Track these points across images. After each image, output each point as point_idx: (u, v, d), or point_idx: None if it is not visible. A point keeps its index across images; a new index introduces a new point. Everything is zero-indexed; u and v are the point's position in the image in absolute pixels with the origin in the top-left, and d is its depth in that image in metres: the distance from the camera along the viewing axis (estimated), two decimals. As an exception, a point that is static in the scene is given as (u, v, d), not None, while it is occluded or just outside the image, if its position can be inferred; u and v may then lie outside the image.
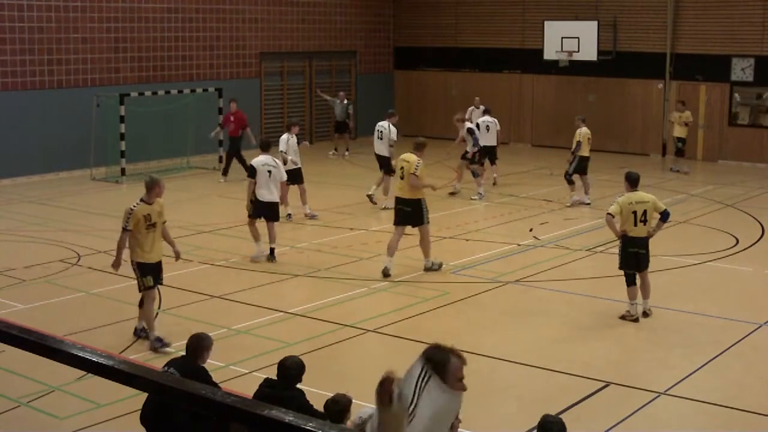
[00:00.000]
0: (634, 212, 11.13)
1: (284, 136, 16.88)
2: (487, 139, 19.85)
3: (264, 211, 14.14)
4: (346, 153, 25.20)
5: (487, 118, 20.33)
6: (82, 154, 21.76)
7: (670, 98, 25.46)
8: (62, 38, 21.69)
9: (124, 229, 10.34)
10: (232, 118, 21.35)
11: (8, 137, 20.83)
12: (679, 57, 25.15)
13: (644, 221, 11.17)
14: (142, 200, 10.52)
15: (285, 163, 15.81)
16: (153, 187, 10.51)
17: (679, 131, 22.87)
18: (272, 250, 14.10)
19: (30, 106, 21.14)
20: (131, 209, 10.36)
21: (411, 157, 13.39)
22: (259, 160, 14.32)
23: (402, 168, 13.39)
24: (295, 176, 16.72)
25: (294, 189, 16.70)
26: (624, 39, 25.91)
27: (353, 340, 10.76)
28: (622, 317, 11.39)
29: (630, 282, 11.37)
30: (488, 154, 20.06)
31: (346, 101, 25.80)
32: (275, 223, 14.24)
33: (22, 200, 19.11)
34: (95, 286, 12.73)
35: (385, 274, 13.25)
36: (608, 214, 11.30)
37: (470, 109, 22.98)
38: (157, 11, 23.51)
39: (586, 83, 26.62)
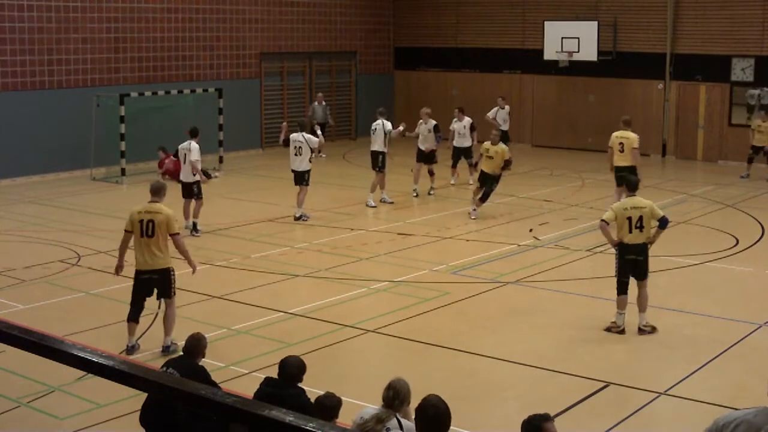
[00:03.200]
0: (629, 218, 10.68)
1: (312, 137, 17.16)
2: (462, 141, 20.55)
3: (184, 191, 15.97)
4: (323, 155, 25.36)
5: (466, 119, 20.65)
6: (82, 154, 21.76)
7: (670, 98, 25.46)
8: (62, 38, 21.69)
9: (180, 234, 10.29)
10: (166, 161, 21.68)
11: (8, 137, 20.82)
12: (679, 57, 25.14)
13: (640, 228, 10.69)
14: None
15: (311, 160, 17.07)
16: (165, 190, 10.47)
17: (759, 140, 22.15)
18: (194, 224, 15.87)
19: (30, 106, 21.13)
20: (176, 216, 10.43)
21: (630, 134, 16.58)
22: (181, 145, 15.97)
23: (621, 143, 16.52)
24: (309, 176, 16.92)
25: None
26: (624, 39, 25.90)
27: (353, 340, 10.76)
28: (608, 329, 10.97)
29: (622, 290, 10.94)
30: (463, 154, 20.63)
31: (324, 102, 25.83)
32: (192, 200, 15.88)
33: (22, 200, 19.11)
34: (95, 286, 12.73)
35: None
36: (602, 220, 10.87)
37: (495, 109, 23.14)
38: (157, 11, 23.51)
39: (586, 83, 26.62)
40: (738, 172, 22.96)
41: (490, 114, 22.97)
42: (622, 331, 10.95)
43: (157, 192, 10.25)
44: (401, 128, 18.89)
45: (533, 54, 26.89)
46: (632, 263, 10.87)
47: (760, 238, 15.98)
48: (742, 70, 24.19)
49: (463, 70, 29.03)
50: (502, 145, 17.10)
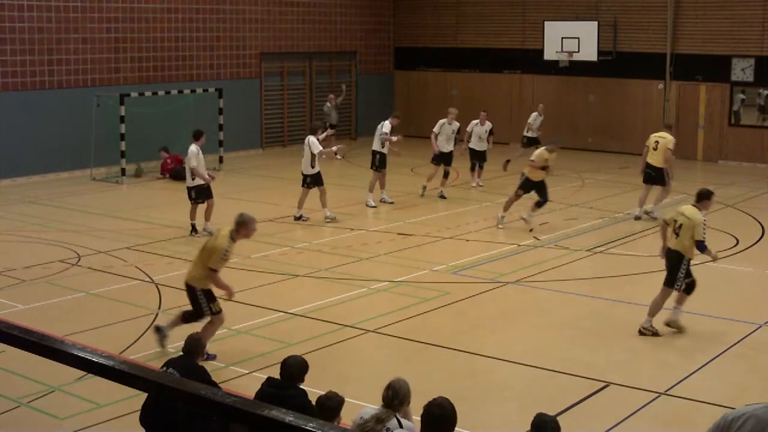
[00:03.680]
0: (674, 221, 10.79)
1: (315, 140, 17.05)
2: (481, 144, 20.47)
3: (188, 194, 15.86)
4: (338, 156, 25.35)
5: (488, 123, 20.52)
6: (82, 154, 21.77)
7: (670, 98, 25.47)
8: (62, 38, 21.69)
9: (217, 272, 9.67)
10: (169, 161, 21.81)
11: (8, 137, 20.83)
12: (679, 57, 25.15)
13: (676, 234, 10.71)
14: (231, 237, 9.74)
15: (313, 165, 16.89)
16: (242, 227, 9.79)
17: None
18: (193, 226, 15.83)
19: (30, 106, 21.14)
20: (226, 251, 9.66)
21: (668, 135, 17.13)
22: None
23: (657, 142, 17.03)
24: (316, 179, 16.93)
25: (309, 191, 17.07)
26: (624, 39, 25.91)
27: (353, 340, 10.76)
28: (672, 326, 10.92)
29: (684, 289, 10.94)
30: (479, 157, 20.59)
31: (336, 102, 25.79)
32: (199, 203, 15.73)
33: (22, 200, 19.11)
34: (95, 286, 12.73)
35: (637, 217, 17.08)
36: (663, 220, 11.19)
37: (534, 114, 23.09)
38: (157, 11, 23.51)
39: (586, 83, 26.62)
40: (738, 172, 22.99)
41: (531, 119, 23.07)
42: (659, 327, 10.86)
43: (237, 222, 9.77)
44: (394, 139, 18.61)
45: (533, 54, 26.90)
46: (666, 266, 10.91)
47: (760, 238, 15.98)
48: (742, 70, 24.19)
49: (463, 70, 29.03)
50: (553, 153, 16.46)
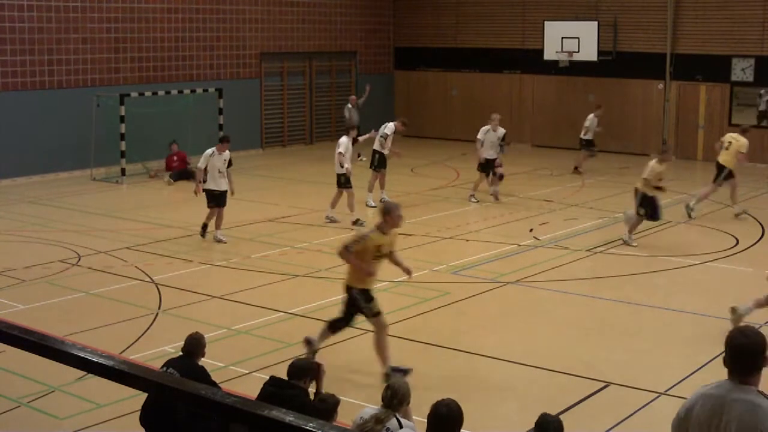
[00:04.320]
0: None
1: (344, 139, 16.97)
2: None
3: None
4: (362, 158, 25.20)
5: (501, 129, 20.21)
6: (82, 154, 21.76)
7: (670, 98, 25.47)
8: (62, 38, 21.69)
9: (347, 248, 9.20)
10: (175, 158, 21.74)
11: (8, 137, 20.82)
12: (679, 57, 25.15)
13: None
14: (378, 228, 9.40)
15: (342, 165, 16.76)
16: (386, 215, 9.40)
17: None
18: (204, 226, 15.54)
19: (30, 106, 21.13)
20: (364, 236, 9.33)
21: (741, 138, 17.45)
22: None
23: (730, 143, 17.49)
24: (342, 180, 16.93)
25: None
26: (624, 39, 25.91)
27: (353, 340, 10.75)
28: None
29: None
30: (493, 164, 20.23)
31: (357, 104, 25.71)
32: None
33: (22, 200, 19.11)
34: (95, 286, 12.73)
35: (688, 213, 17.33)
36: None
37: (591, 116, 22.77)
38: (157, 11, 23.51)
39: (586, 83, 26.61)
40: (738, 172, 22.92)
41: (587, 123, 22.70)
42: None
43: (381, 212, 9.61)
44: (386, 151, 18.59)
45: (533, 54, 26.89)
46: None
47: (760, 238, 15.97)
48: (742, 70, 24.19)
49: (463, 70, 29.03)
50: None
